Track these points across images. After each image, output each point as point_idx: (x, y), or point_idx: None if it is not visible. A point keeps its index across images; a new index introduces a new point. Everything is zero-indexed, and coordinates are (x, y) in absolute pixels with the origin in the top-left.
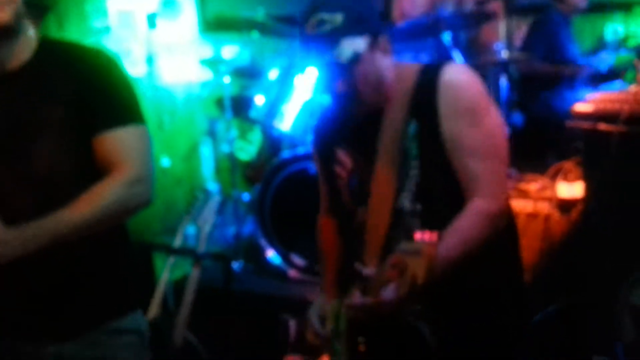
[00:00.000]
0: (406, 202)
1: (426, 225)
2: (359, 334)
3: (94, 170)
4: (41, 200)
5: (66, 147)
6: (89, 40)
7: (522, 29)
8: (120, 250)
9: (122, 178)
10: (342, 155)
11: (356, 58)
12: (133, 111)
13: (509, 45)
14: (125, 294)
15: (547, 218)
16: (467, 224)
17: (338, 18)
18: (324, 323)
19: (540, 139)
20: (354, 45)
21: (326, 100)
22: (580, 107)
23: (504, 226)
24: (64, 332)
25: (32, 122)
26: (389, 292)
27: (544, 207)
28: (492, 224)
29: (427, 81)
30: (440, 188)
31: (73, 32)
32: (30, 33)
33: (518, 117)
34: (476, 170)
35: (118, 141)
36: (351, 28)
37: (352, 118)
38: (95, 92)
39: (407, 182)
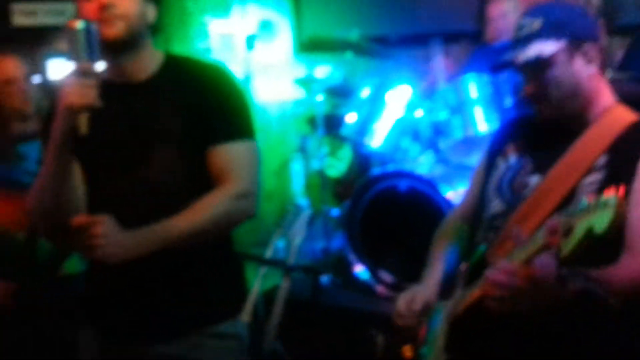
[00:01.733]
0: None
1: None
2: (460, 338)
3: (207, 180)
4: (155, 206)
5: (182, 156)
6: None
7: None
8: (226, 258)
9: (230, 191)
10: (511, 150)
11: (540, 60)
12: (246, 127)
13: (609, 65)
14: (228, 300)
15: None
16: (623, 276)
17: (536, 23)
18: (412, 306)
19: None
20: (541, 47)
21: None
22: None
23: None
24: (169, 333)
25: (152, 130)
26: (544, 258)
27: None
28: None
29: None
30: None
31: (178, 53)
32: (154, 50)
33: None
34: None
35: (230, 155)
36: (546, 32)
37: (540, 120)
38: (213, 106)
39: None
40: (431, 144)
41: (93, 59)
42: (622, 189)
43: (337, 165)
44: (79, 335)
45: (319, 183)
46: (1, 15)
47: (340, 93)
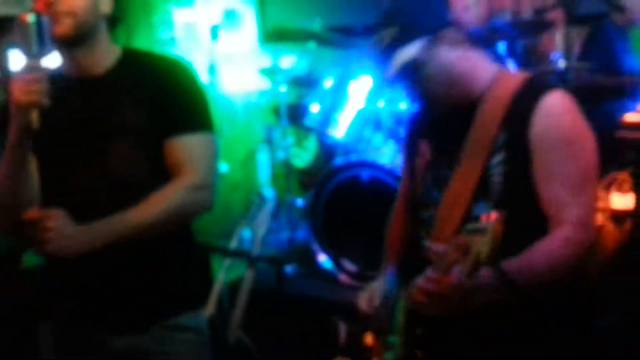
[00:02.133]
0: (484, 209)
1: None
2: (418, 326)
3: (166, 173)
4: (115, 199)
5: (141, 150)
6: (155, 51)
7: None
8: (187, 250)
9: (185, 183)
10: (424, 146)
11: (410, 65)
12: (203, 119)
13: (568, 55)
14: (189, 292)
15: (600, 229)
16: (555, 247)
17: (392, 31)
18: (372, 299)
19: (599, 150)
20: (406, 54)
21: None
22: (632, 117)
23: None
24: (129, 325)
25: (111, 124)
26: (454, 272)
27: (598, 218)
28: (579, 252)
29: (526, 101)
30: (524, 206)
31: (141, 43)
32: (111, 43)
33: None
34: (568, 200)
35: (185, 147)
36: (404, 38)
37: (440, 112)
38: (170, 99)
39: (488, 192)
40: (393, 134)
41: (44, 52)
42: (494, 214)
43: (303, 155)
44: (38, 329)
45: (285, 173)
46: None
47: (305, 83)
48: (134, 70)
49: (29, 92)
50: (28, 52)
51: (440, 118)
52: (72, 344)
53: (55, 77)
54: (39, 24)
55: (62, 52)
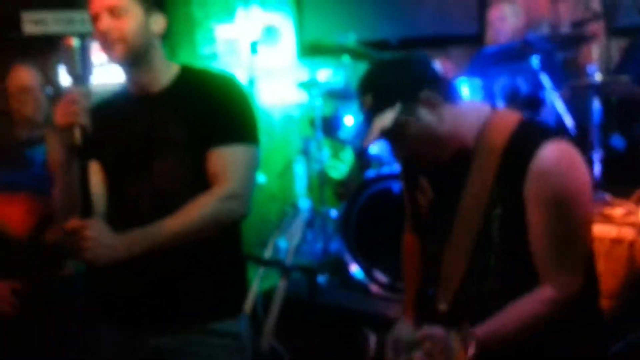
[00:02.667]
0: (493, 258)
1: (507, 286)
2: None
3: (207, 183)
4: (158, 210)
5: (184, 163)
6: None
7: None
8: (230, 258)
9: (219, 192)
10: (425, 184)
11: (388, 130)
12: (246, 131)
13: (607, 68)
14: (229, 299)
15: (631, 244)
16: (530, 308)
17: (368, 99)
18: (398, 350)
19: (639, 164)
20: (381, 121)
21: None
22: None
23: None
24: (165, 326)
25: (159, 140)
26: None
27: (629, 233)
28: (556, 311)
29: (520, 155)
30: (521, 264)
31: (184, 58)
32: (167, 61)
33: (618, 141)
34: (553, 261)
35: (225, 157)
36: (380, 105)
37: (432, 168)
38: (216, 112)
39: (492, 244)
40: None
41: (87, 74)
42: (470, 346)
43: (339, 167)
44: (99, 331)
45: (320, 184)
46: (12, 24)
47: (340, 96)
48: (188, 88)
49: (67, 113)
50: (72, 74)
51: (438, 169)
52: (115, 345)
53: (118, 94)
54: (82, 47)
55: (125, 71)
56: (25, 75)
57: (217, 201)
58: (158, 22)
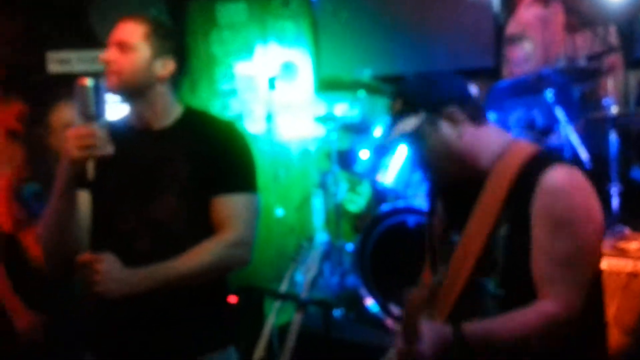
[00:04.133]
0: (491, 284)
1: (503, 312)
2: None
3: (207, 224)
4: (157, 243)
5: (185, 202)
6: (217, 102)
7: None
8: (216, 292)
9: (226, 239)
10: (440, 209)
11: (409, 136)
12: (249, 181)
13: (624, 100)
14: (216, 332)
15: None
16: (523, 318)
17: (397, 103)
18: None
19: None
20: (404, 125)
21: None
22: None
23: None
24: (156, 358)
25: (162, 175)
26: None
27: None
28: (555, 327)
29: (530, 177)
30: (525, 282)
31: (204, 94)
32: (174, 102)
33: (638, 173)
34: (553, 276)
35: (230, 205)
36: (405, 110)
37: (446, 185)
38: (220, 159)
39: (495, 264)
40: None
41: (101, 113)
42: None
43: (357, 200)
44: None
45: (337, 218)
46: (38, 63)
47: (357, 130)
48: (192, 129)
49: (82, 146)
50: (85, 113)
51: (451, 186)
52: None
53: (119, 127)
54: (96, 87)
55: (128, 105)
56: (68, 112)
57: (225, 247)
58: (166, 66)
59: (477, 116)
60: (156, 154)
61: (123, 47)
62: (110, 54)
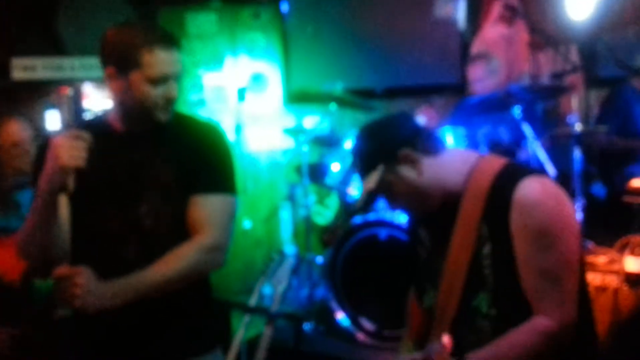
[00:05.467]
0: (483, 303)
1: (496, 331)
2: None
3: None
4: (143, 247)
5: (169, 205)
6: (185, 112)
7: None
8: (200, 296)
9: (200, 244)
10: (423, 235)
11: (376, 190)
12: (227, 181)
13: (586, 118)
14: (202, 335)
15: (615, 292)
16: (523, 338)
17: (356, 165)
18: None
19: (620, 212)
20: (368, 183)
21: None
22: (637, 182)
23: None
24: None
25: (145, 177)
26: None
27: (613, 281)
28: (551, 342)
29: (502, 193)
30: (516, 298)
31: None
32: None
33: (599, 189)
34: (544, 291)
35: (206, 206)
36: (365, 169)
37: (425, 216)
38: (200, 159)
39: (484, 281)
40: None
41: (79, 119)
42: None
43: (325, 213)
44: None
45: (306, 230)
46: (1, 69)
47: (327, 143)
48: (173, 131)
49: (73, 157)
50: (68, 121)
51: (430, 215)
52: None
53: (99, 128)
54: (75, 96)
55: (118, 111)
56: (16, 129)
57: (199, 252)
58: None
59: (431, 147)
60: (139, 157)
61: (178, 78)
62: (175, 88)
